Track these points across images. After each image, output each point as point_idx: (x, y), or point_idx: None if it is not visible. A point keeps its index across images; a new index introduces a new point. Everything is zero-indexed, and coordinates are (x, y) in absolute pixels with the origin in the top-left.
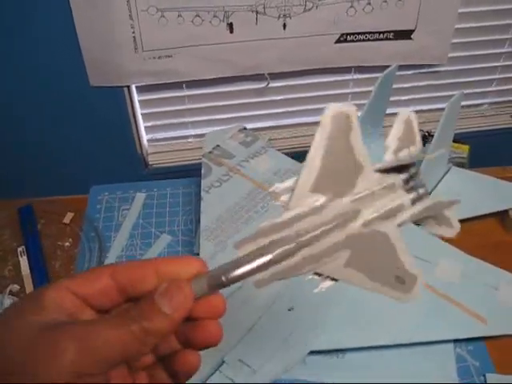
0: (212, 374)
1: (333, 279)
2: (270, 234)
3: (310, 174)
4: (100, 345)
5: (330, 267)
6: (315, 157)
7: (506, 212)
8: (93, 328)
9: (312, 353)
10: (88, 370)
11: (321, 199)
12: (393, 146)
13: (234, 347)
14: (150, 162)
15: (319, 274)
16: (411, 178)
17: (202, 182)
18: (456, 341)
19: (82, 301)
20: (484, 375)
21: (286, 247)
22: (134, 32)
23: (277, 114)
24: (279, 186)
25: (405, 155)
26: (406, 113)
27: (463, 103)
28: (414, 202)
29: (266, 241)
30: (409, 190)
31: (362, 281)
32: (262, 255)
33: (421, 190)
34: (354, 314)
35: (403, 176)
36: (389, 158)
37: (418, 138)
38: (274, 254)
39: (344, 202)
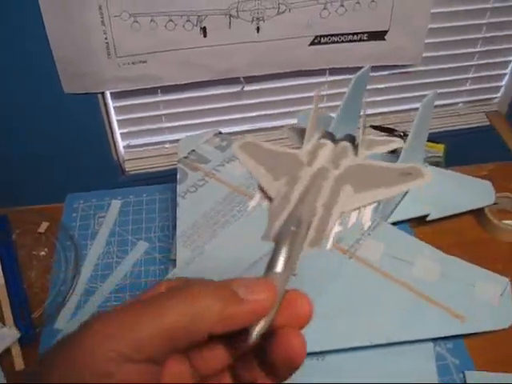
0: None
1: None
2: (282, 211)
3: (263, 175)
4: (132, 325)
5: (345, 203)
6: (255, 168)
7: (482, 210)
8: (129, 309)
9: None
10: (125, 354)
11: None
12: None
13: None
14: (127, 169)
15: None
16: (333, 137)
17: (178, 187)
18: (435, 339)
19: None
20: (463, 373)
21: (303, 207)
22: (106, 38)
23: (252, 117)
24: (253, 204)
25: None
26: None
27: (438, 103)
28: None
29: (283, 217)
30: (339, 141)
31: (379, 194)
32: (292, 221)
33: (348, 137)
34: (331, 317)
35: (327, 137)
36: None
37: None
38: (300, 217)
39: (305, 169)
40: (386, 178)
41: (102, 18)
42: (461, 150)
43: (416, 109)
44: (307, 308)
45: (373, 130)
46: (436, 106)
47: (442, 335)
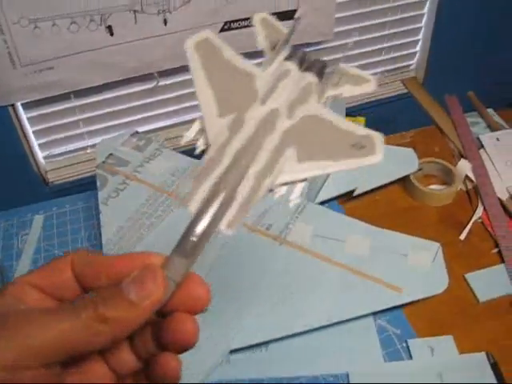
0: None
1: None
2: (210, 173)
3: (208, 104)
4: (35, 333)
5: (288, 172)
6: (203, 87)
7: (408, 177)
8: (33, 316)
9: (236, 351)
10: (22, 361)
11: (232, 117)
12: (266, 45)
13: None
14: (50, 180)
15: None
16: (302, 60)
17: (99, 194)
18: (375, 313)
19: (42, 293)
20: (406, 341)
21: (233, 174)
22: (8, 47)
23: (171, 112)
24: (189, 135)
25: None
26: (259, 15)
27: None
28: (318, 75)
29: (211, 181)
30: (307, 69)
31: (325, 166)
32: (214, 195)
33: (318, 64)
34: (269, 306)
35: (294, 61)
36: (270, 55)
37: (283, 29)
38: (226, 187)
39: (256, 107)
40: (335, 146)
41: None
42: (382, 120)
43: None
44: (205, 294)
45: None
46: None
47: (381, 308)
